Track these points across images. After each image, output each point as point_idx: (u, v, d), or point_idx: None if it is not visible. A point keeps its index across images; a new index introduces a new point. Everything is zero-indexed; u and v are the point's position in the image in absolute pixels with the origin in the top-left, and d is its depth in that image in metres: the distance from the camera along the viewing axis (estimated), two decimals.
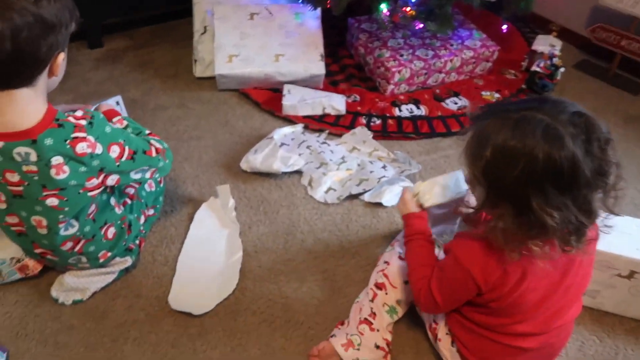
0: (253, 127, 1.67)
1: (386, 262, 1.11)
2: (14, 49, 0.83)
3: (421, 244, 1.03)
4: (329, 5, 1.66)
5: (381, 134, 1.66)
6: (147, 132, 1.18)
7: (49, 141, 0.91)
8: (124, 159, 1.02)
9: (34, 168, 0.93)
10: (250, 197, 1.43)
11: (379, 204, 1.42)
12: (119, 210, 1.15)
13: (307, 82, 1.78)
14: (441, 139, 1.67)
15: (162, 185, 1.36)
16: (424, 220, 1.07)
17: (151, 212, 1.31)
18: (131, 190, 1.25)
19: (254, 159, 1.47)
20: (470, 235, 0.90)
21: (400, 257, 1.10)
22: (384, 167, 1.49)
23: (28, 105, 0.91)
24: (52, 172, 0.93)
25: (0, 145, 0.90)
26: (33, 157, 0.92)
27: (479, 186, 0.86)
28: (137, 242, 1.25)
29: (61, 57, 0.94)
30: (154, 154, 1.11)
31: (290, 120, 1.69)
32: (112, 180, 1.03)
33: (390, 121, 1.70)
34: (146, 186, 1.30)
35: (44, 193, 0.96)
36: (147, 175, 1.11)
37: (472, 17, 2.03)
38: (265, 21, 1.81)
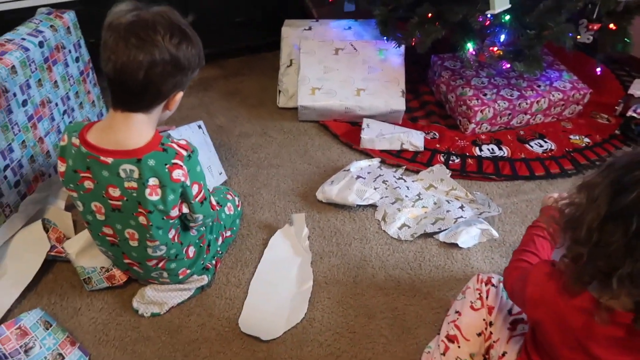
0: (330, 159, 1.70)
1: (457, 312, 1.08)
2: (144, 79, 0.92)
3: (537, 232, 1.02)
4: (413, 43, 1.68)
5: (460, 173, 1.62)
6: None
7: (151, 162, 0.98)
8: (197, 199, 1.08)
9: (134, 185, 1.00)
10: (324, 228, 1.45)
11: (454, 245, 1.38)
12: (194, 232, 1.20)
13: (386, 117, 1.79)
14: (523, 182, 1.61)
15: (239, 209, 1.42)
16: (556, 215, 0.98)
17: (228, 233, 1.36)
18: None
19: (330, 190, 1.49)
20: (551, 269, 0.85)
21: (472, 307, 1.06)
22: (461, 207, 1.45)
23: (140, 128, 1.00)
24: (147, 191, 1.00)
25: (109, 161, 0.99)
26: (135, 174, 0.99)
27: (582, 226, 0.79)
28: (214, 262, 1.30)
29: (179, 96, 1.03)
30: (215, 208, 1.18)
31: (367, 154, 1.70)
32: (185, 208, 1.09)
33: (469, 160, 1.67)
34: (226, 209, 1.35)
35: (139, 210, 1.03)
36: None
37: (562, 57, 1.96)
38: (349, 56, 1.86)
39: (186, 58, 0.96)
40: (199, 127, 1.52)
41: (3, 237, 1.28)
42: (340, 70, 1.83)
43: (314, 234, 1.43)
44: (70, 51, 1.49)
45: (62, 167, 1.06)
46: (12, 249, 1.29)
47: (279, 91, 1.93)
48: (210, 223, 1.24)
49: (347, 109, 1.78)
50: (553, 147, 1.73)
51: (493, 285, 1.10)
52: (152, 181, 0.99)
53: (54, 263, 1.32)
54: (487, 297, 1.08)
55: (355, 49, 1.88)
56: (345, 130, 1.79)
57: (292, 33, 1.95)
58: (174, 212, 1.05)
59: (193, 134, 1.48)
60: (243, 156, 1.70)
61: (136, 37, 0.91)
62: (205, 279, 1.25)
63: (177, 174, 1.00)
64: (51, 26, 1.42)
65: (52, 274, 1.30)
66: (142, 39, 0.91)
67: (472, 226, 1.41)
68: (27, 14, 1.49)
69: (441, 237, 1.40)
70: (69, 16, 1.49)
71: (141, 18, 0.92)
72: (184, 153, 1.02)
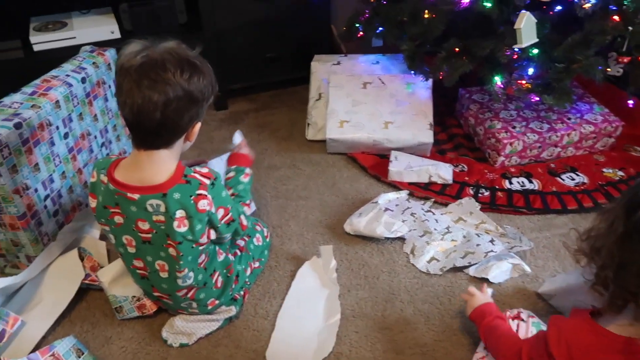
0: (358, 191, 1.70)
1: (487, 349, 1.06)
2: (161, 117, 0.95)
3: (496, 324, 1.04)
4: (441, 77, 1.69)
5: (489, 206, 1.60)
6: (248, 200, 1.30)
7: (177, 195, 1.01)
8: (223, 222, 1.10)
9: (162, 218, 1.03)
10: (352, 260, 1.44)
11: (485, 280, 1.36)
12: (220, 257, 1.21)
13: (414, 150, 1.80)
14: (555, 216, 1.58)
15: (268, 239, 1.43)
16: (489, 304, 1.10)
17: (257, 264, 1.37)
18: (241, 243, 1.33)
19: (358, 222, 1.49)
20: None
21: None
22: (491, 241, 1.43)
23: (164, 164, 1.03)
24: (175, 224, 1.02)
25: (136, 197, 1.02)
26: (162, 208, 1.02)
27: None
28: (242, 292, 1.31)
29: (197, 126, 1.05)
30: (245, 229, 1.20)
31: (395, 186, 1.70)
32: (212, 234, 1.11)
33: (499, 194, 1.65)
34: (254, 239, 1.37)
35: (168, 242, 1.06)
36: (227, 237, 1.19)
37: (593, 90, 1.94)
38: (377, 90, 1.89)
39: (199, 90, 0.98)
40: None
41: (41, 264, 1.32)
42: (369, 103, 1.86)
43: (341, 266, 1.43)
44: (110, 86, 1.57)
45: (93, 203, 1.09)
46: (49, 276, 1.33)
47: (308, 124, 1.97)
48: (244, 238, 1.28)
49: (375, 141, 1.80)
50: (585, 181, 1.69)
51: (522, 320, 1.08)
52: (179, 213, 1.02)
53: (87, 291, 1.35)
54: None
55: (383, 82, 1.91)
56: (373, 163, 1.80)
57: (321, 68, 2.00)
58: (203, 240, 1.07)
59: (224, 165, 1.51)
60: (272, 188, 1.72)
61: (148, 79, 0.92)
62: (233, 310, 1.26)
63: (203, 204, 1.03)
64: (93, 63, 1.50)
65: (85, 302, 1.33)
66: (154, 79, 0.92)
67: (503, 261, 1.39)
68: (72, 51, 1.58)
69: (471, 271, 1.38)
70: (110, 53, 1.57)
71: (150, 58, 0.94)
72: (207, 182, 1.04)
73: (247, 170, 1.31)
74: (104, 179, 1.05)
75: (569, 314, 0.91)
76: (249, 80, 2.19)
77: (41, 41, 1.80)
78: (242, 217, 1.20)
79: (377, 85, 1.90)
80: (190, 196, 1.02)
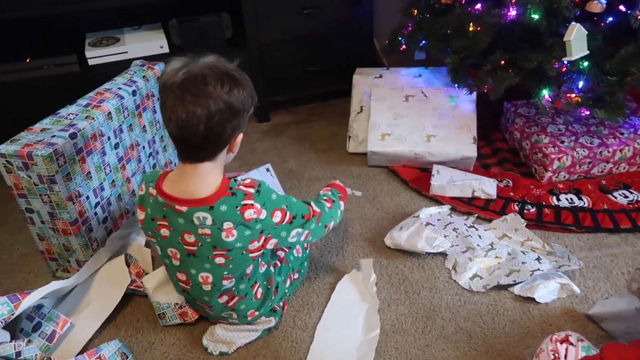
0: (399, 204, 1.69)
1: None
2: (205, 130, 0.97)
3: None
4: (485, 90, 1.66)
5: (536, 223, 1.55)
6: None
7: (223, 207, 1.03)
8: (284, 223, 1.10)
9: (208, 231, 1.05)
10: (392, 274, 1.43)
11: (531, 299, 1.31)
12: (262, 268, 1.22)
13: (457, 164, 1.77)
14: (607, 235, 1.51)
15: (308, 251, 1.43)
16: None
17: (296, 276, 1.37)
18: (281, 254, 1.34)
19: (399, 236, 1.48)
20: None
21: None
22: (538, 259, 1.38)
23: (208, 176, 1.05)
24: (223, 235, 1.04)
25: (184, 210, 1.04)
26: (209, 221, 1.04)
27: None
28: (281, 304, 1.31)
29: (240, 137, 1.07)
30: (310, 217, 1.18)
31: (437, 201, 1.68)
32: (271, 244, 1.12)
33: (546, 210, 1.60)
34: (294, 251, 1.38)
35: (214, 252, 1.07)
36: (302, 238, 1.18)
37: None
38: (419, 103, 1.87)
39: (239, 102, 0.99)
40: (267, 170, 1.58)
41: (90, 269, 1.37)
42: (411, 116, 1.84)
43: (381, 280, 1.41)
44: (158, 99, 1.62)
45: (141, 215, 1.13)
46: (97, 281, 1.38)
47: (349, 137, 1.97)
48: (284, 249, 1.28)
49: (417, 155, 1.78)
50: None
51: (571, 344, 1.03)
52: (226, 225, 1.03)
53: (132, 296, 1.39)
54: (565, 358, 1.00)
55: (425, 95, 1.89)
56: (414, 176, 1.78)
57: (363, 81, 2.01)
58: (252, 246, 1.08)
59: (262, 177, 1.53)
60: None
61: (190, 94, 0.94)
62: (272, 321, 1.27)
63: (249, 213, 1.04)
64: (143, 76, 1.55)
65: (130, 307, 1.37)
66: (196, 94, 0.94)
67: (551, 280, 1.34)
68: (124, 65, 1.65)
69: (516, 290, 1.34)
70: (159, 67, 1.63)
71: (191, 74, 0.96)
72: (252, 190, 1.05)
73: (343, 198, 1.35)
74: (153, 191, 1.08)
75: (630, 343, 0.86)
76: (290, 92, 2.22)
77: (95, 56, 1.89)
78: (313, 204, 1.21)
79: (419, 98, 1.89)
80: (237, 207, 1.03)
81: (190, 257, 1.10)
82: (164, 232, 1.09)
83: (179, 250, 1.11)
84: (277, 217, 1.09)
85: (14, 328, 1.20)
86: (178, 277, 1.17)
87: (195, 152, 1.02)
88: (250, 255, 1.10)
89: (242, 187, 1.06)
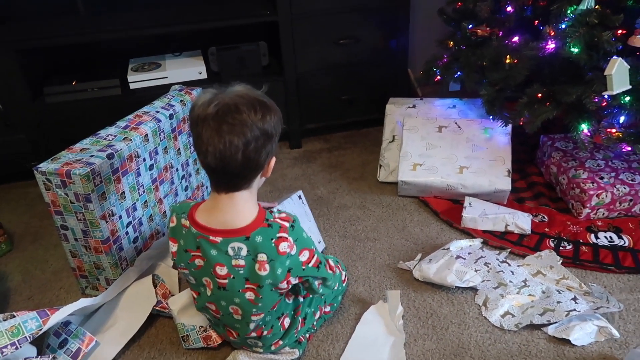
0: (429, 236, 1.65)
1: None
2: (243, 158, 0.98)
3: None
4: (521, 123, 1.63)
5: (572, 261, 1.49)
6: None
7: (259, 239, 1.03)
8: (310, 264, 1.10)
9: (242, 262, 1.05)
10: (419, 308, 1.39)
11: (566, 341, 1.25)
12: (289, 300, 1.21)
13: (490, 197, 1.73)
14: None
15: (345, 284, 1.41)
16: None
17: (327, 309, 1.34)
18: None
19: (428, 269, 1.44)
20: None
21: None
22: (574, 299, 1.32)
23: (244, 205, 1.05)
24: (256, 266, 1.04)
25: (218, 240, 1.04)
26: (244, 252, 1.04)
27: None
28: (307, 336, 1.29)
29: (273, 161, 1.08)
30: (335, 270, 1.20)
31: (468, 234, 1.64)
32: (294, 279, 1.10)
33: (584, 248, 1.53)
34: None
35: (246, 286, 1.07)
36: (316, 284, 1.17)
37: None
38: (453, 134, 1.85)
39: (272, 127, 1.00)
40: (299, 197, 1.58)
41: (118, 288, 1.39)
42: (443, 147, 1.82)
43: (408, 313, 1.37)
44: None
45: (174, 247, 1.13)
46: (124, 300, 1.40)
47: (380, 165, 1.96)
48: (335, 287, 1.25)
49: (449, 186, 1.75)
50: None
51: None
52: (261, 257, 1.03)
53: (157, 317, 1.39)
54: None
55: (459, 127, 1.87)
56: (445, 208, 1.75)
57: (396, 110, 2.01)
58: (283, 285, 1.08)
59: (295, 206, 1.53)
60: (341, 227, 1.72)
61: (226, 124, 0.95)
62: (296, 353, 1.24)
63: (283, 246, 1.04)
64: (181, 101, 1.60)
65: (154, 327, 1.37)
66: (232, 123, 0.95)
67: (587, 322, 1.27)
68: (163, 90, 1.70)
69: (550, 330, 1.28)
70: (196, 92, 1.68)
71: (224, 104, 0.96)
72: (287, 225, 1.06)
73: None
74: (185, 222, 1.09)
75: None
76: (323, 120, 2.23)
77: (137, 80, 1.96)
78: (330, 260, 1.20)
79: (453, 130, 1.87)
80: (272, 239, 1.03)
81: (220, 290, 1.10)
82: (198, 262, 1.10)
83: (212, 282, 1.11)
84: (305, 256, 1.08)
85: (41, 343, 1.22)
86: (208, 306, 1.17)
87: (233, 181, 1.03)
88: (279, 292, 1.10)
89: (278, 220, 1.06)
